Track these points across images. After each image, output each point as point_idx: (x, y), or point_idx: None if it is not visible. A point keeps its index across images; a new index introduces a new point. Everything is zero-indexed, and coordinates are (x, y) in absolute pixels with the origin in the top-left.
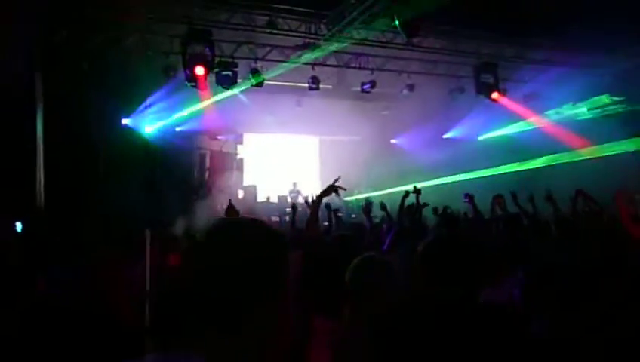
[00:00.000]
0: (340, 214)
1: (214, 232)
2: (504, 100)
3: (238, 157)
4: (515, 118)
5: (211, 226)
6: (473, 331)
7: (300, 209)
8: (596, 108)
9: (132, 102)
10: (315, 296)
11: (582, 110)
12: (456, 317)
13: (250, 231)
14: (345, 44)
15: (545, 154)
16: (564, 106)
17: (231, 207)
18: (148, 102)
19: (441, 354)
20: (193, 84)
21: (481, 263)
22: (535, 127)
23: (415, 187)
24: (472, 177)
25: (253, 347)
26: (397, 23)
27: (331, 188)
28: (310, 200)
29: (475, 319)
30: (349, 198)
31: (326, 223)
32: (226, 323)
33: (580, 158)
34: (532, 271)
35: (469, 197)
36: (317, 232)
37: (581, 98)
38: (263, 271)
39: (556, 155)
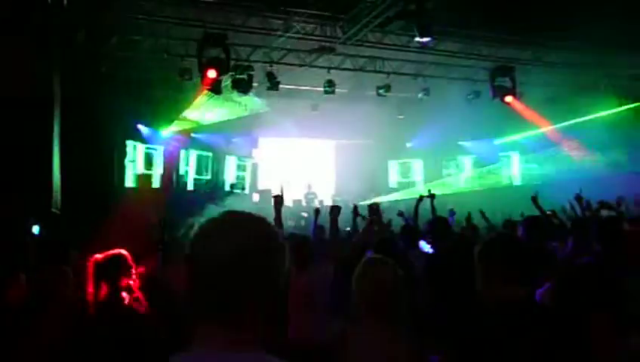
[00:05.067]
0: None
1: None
2: (518, 105)
3: (253, 161)
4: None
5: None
6: (539, 332)
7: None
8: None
9: (148, 105)
10: None
11: (603, 113)
12: (522, 319)
13: (253, 226)
14: (360, 48)
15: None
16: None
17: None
18: (163, 105)
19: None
20: (209, 87)
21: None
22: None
23: (429, 191)
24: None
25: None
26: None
27: None
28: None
29: (540, 320)
30: (363, 203)
31: (348, 228)
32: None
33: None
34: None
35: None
36: None
37: (602, 103)
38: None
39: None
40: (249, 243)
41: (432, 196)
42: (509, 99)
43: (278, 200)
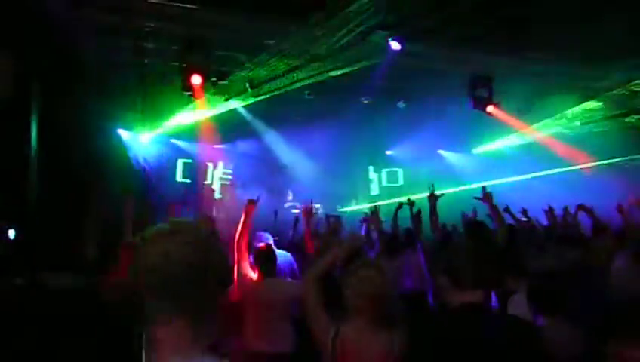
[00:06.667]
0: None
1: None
2: (500, 114)
3: (231, 167)
4: (509, 131)
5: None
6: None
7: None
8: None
9: (128, 110)
10: None
11: (575, 124)
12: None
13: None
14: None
15: (538, 168)
16: (558, 120)
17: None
18: (144, 110)
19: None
20: (190, 93)
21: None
22: (528, 140)
23: (409, 199)
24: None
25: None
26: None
27: None
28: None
29: (496, 325)
30: (344, 209)
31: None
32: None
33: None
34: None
35: None
36: None
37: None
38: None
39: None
40: (182, 251)
41: (411, 203)
42: (490, 109)
43: (253, 205)
